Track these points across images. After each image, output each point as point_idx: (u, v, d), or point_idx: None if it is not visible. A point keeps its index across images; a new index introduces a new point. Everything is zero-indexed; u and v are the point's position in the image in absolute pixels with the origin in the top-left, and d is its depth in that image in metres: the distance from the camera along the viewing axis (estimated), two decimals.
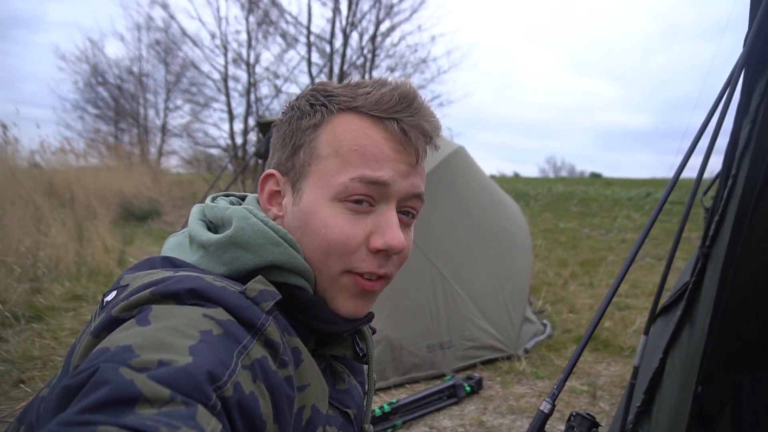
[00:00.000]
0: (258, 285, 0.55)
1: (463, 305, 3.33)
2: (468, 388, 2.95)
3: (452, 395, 2.89)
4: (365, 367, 0.79)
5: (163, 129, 18.26)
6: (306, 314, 0.61)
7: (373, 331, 0.79)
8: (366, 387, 0.78)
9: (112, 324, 0.48)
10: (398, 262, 0.65)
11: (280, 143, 0.67)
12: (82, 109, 18.19)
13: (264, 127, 6.95)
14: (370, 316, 0.69)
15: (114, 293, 0.55)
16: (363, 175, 0.60)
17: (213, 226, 0.65)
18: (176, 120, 18.18)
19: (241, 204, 0.70)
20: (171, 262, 0.60)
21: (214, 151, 15.79)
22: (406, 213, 0.66)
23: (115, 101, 18.35)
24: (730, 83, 1.48)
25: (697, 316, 1.53)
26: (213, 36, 15.28)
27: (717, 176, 1.74)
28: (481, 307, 3.41)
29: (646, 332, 1.54)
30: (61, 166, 10.51)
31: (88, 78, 17.86)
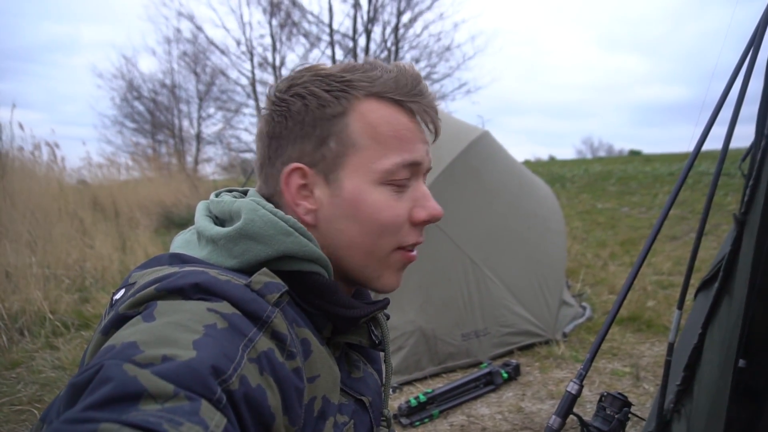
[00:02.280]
0: (263, 277, 0.55)
1: (497, 292, 3.28)
2: (505, 375, 2.90)
3: (489, 383, 2.85)
4: (382, 355, 0.78)
5: (198, 137, 18.74)
6: (322, 299, 0.61)
7: (387, 317, 0.78)
8: (384, 374, 0.78)
9: (119, 321, 0.49)
10: None
11: (297, 134, 0.65)
12: (120, 124, 18.87)
13: None
14: (386, 302, 0.69)
15: (122, 291, 0.56)
16: (404, 159, 0.64)
17: (219, 222, 0.65)
18: (210, 128, 18.62)
19: (245, 198, 0.69)
20: (179, 259, 0.60)
21: (249, 156, 16.09)
22: None
23: (150, 114, 18.95)
24: (755, 40, 1.39)
25: (735, 288, 1.45)
26: (238, 42, 15.59)
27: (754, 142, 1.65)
28: (515, 292, 3.35)
29: (680, 306, 1.47)
30: (105, 181, 10.96)
31: (124, 93, 18.49)
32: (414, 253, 0.68)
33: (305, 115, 0.64)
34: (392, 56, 15.33)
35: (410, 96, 0.65)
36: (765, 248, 1.32)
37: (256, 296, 0.52)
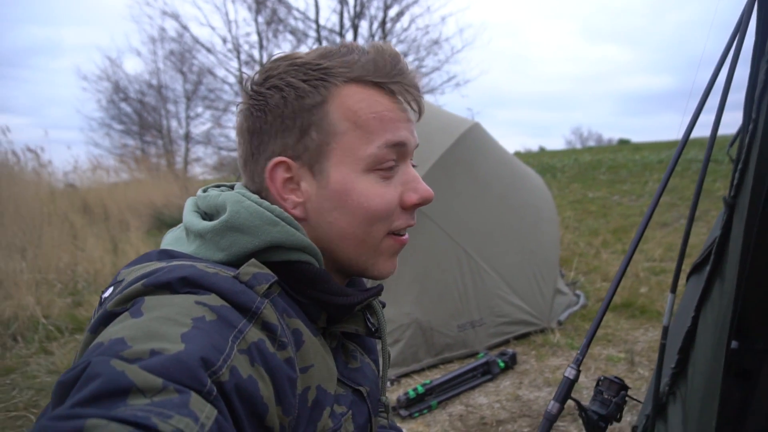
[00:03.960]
0: (251, 268, 0.55)
1: (492, 282, 3.30)
2: (502, 364, 2.92)
3: (486, 372, 2.87)
4: (379, 344, 0.78)
5: (187, 137, 18.60)
6: (314, 288, 0.61)
7: (383, 305, 0.78)
8: (380, 363, 0.77)
9: (107, 318, 0.49)
10: None
11: (278, 128, 0.63)
12: (107, 126, 18.67)
13: None
14: (379, 288, 0.68)
15: (111, 289, 0.56)
16: (388, 140, 0.63)
17: (207, 217, 0.65)
18: (198, 128, 18.49)
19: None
20: (168, 254, 0.60)
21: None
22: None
23: (138, 115, 18.77)
24: (740, 27, 1.40)
25: (726, 270, 1.47)
26: (225, 40, 15.44)
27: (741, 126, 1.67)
28: (509, 282, 3.37)
29: (673, 290, 1.49)
30: (94, 184, 10.86)
31: (110, 95, 18.30)
32: (405, 236, 0.68)
33: (284, 108, 0.63)
34: None
35: (390, 76, 0.64)
36: (754, 230, 1.34)
37: (244, 288, 0.52)
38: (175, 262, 0.54)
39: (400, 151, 0.64)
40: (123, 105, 18.65)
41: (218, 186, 0.72)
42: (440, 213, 3.21)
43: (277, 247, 0.59)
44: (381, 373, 0.76)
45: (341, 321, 0.66)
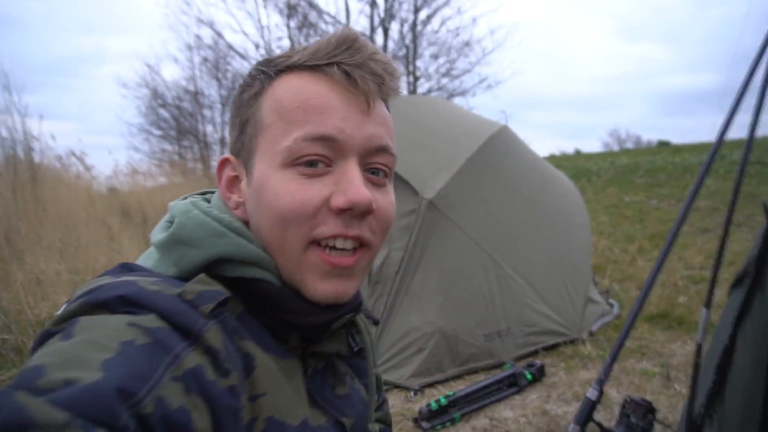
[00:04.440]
0: (198, 286, 0.51)
1: (519, 290, 3.20)
2: (529, 376, 2.82)
3: (513, 384, 2.78)
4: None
5: (222, 142, 18.95)
6: (274, 308, 0.55)
7: (375, 322, 0.72)
8: (368, 387, 0.71)
9: (43, 338, 0.45)
10: (378, 228, 0.58)
11: (232, 123, 0.63)
12: (146, 131, 19.19)
13: None
14: (354, 304, 0.61)
15: (65, 305, 0.52)
16: (308, 133, 0.54)
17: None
18: None
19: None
20: (127, 268, 0.56)
21: None
22: (376, 172, 0.59)
23: (175, 120, 19.24)
24: None
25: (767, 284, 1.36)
26: (257, 46, 15.66)
27: None
28: (538, 290, 3.26)
29: (707, 305, 1.39)
30: (133, 188, 11.21)
31: (149, 101, 18.82)
32: (343, 257, 0.55)
33: (235, 102, 0.62)
34: (411, 53, 15.24)
35: (329, 57, 0.56)
36: None
37: (187, 307, 0.48)
38: (122, 278, 0.51)
39: (331, 145, 0.54)
40: (161, 111, 19.16)
41: (203, 193, 0.68)
42: (466, 218, 3.14)
43: (228, 260, 0.55)
44: (368, 399, 0.69)
45: (320, 340, 0.61)
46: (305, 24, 14.42)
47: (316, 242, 0.55)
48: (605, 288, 4.33)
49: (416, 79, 15.71)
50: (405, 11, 14.95)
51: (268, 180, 0.56)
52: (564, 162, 15.13)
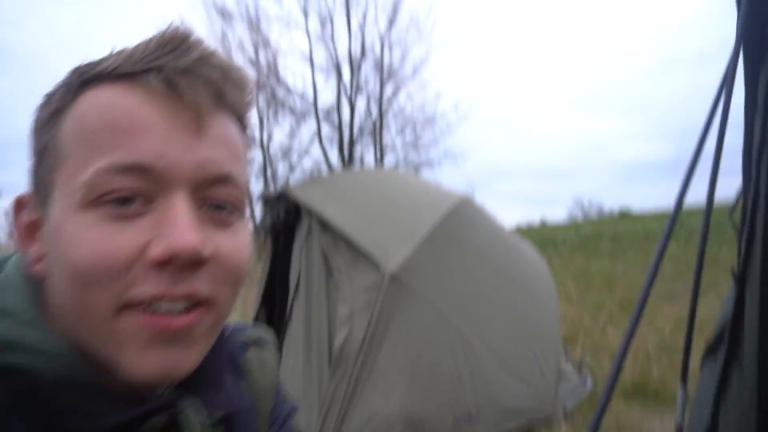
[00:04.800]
0: None
1: (489, 366, 3.02)
2: None
3: None
4: None
5: None
6: (36, 407, 0.40)
7: (212, 417, 0.49)
8: None
9: None
10: (223, 279, 0.45)
11: (29, 153, 0.48)
12: None
13: (268, 201, 6.97)
14: (164, 402, 0.44)
15: None
16: (113, 162, 0.41)
17: None
18: None
19: None
20: None
21: None
22: (219, 208, 0.46)
23: None
24: (727, 77, 1.29)
25: (744, 355, 1.26)
26: None
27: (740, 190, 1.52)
28: (509, 365, 3.10)
29: (683, 379, 1.27)
30: None
31: None
32: (174, 316, 0.42)
33: (32, 124, 0.47)
34: (378, 126, 15.68)
35: (149, 62, 0.43)
36: None
37: None
38: None
39: (148, 177, 0.42)
40: None
41: None
42: (431, 291, 3.01)
43: None
44: None
45: None
46: (273, 100, 14.77)
47: (130, 306, 0.41)
48: (577, 360, 4.18)
49: (383, 152, 16.07)
50: (371, 86, 15.54)
51: (63, 226, 0.42)
52: (530, 233, 15.36)
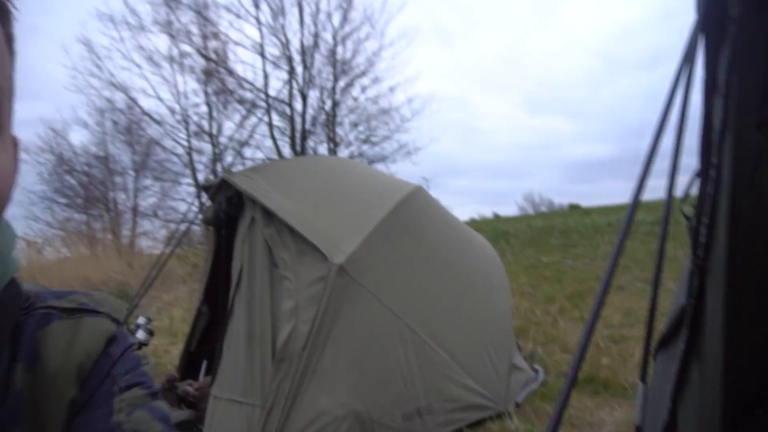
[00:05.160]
0: None
1: (440, 361, 2.93)
2: None
3: None
4: None
5: (134, 210, 17.89)
6: None
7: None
8: None
9: None
10: None
11: None
12: (50, 199, 17.73)
13: (208, 190, 6.63)
14: None
15: None
16: None
17: None
18: (147, 200, 17.84)
19: None
20: None
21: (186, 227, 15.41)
22: None
23: (84, 188, 17.98)
24: (686, 58, 1.21)
25: (706, 349, 1.18)
26: (173, 112, 15.23)
27: (694, 176, 1.47)
28: (460, 360, 3.01)
29: (643, 378, 1.20)
30: (29, 261, 10.15)
31: (54, 167, 17.51)
32: None
33: None
34: (330, 119, 15.41)
35: None
36: (737, 298, 1.07)
37: None
38: None
39: None
40: (67, 177, 17.87)
41: None
42: (380, 284, 2.88)
43: None
44: None
45: None
46: (223, 90, 14.26)
47: None
48: (529, 352, 4.16)
49: (336, 145, 15.84)
50: (324, 79, 15.24)
51: None
52: (483, 225, 15.53)
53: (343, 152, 15.99)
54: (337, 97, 15.32)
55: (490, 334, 3.29)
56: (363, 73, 15.27)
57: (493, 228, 14.44)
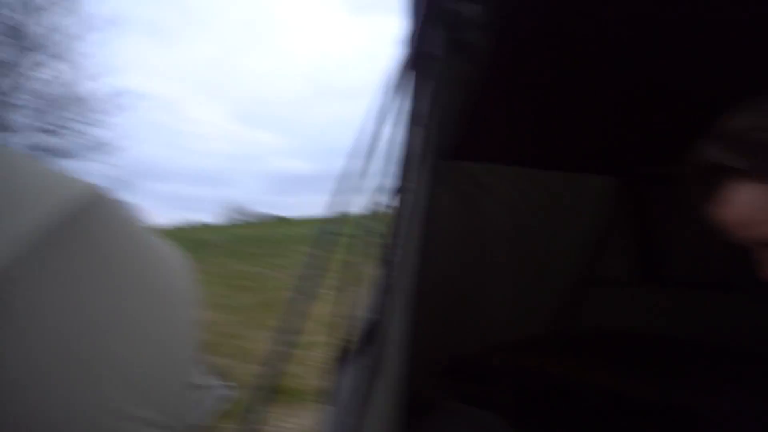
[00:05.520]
0: None
1: (109, 393, 2.45)
2: None
3: None
4: None
5: None
6: None
7: None
8: None
9: None
10: None
11: None
12: None
13: None
14: None
15: None
16: None
17: None
18: None
19: None
20: None
21: None
22: None
23: None
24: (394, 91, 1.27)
25: (388, 364, 1.22)
26: None
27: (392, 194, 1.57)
28: (134, 388, 2.59)
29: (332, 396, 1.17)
30: None
31: None
32: None
33: None
34: (8, 96, 12.24)
35: None
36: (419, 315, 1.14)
37: None
38: None
39: None
40: None
41: None
42: (37, 302, 2.27)
43: None
44: None
45: None
46: None
47: None
48: (216, 368, 3.95)
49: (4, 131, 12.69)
50: (9, 52, 12.07)
51: None
52: (185, 233, 14.62)
53: (13, 139, 12.94)
54: (17, 77, 12.29)
55: (168, 352, 2.94)
56: (56, 54, 12.66)
57: (195, 236, 13.74)
